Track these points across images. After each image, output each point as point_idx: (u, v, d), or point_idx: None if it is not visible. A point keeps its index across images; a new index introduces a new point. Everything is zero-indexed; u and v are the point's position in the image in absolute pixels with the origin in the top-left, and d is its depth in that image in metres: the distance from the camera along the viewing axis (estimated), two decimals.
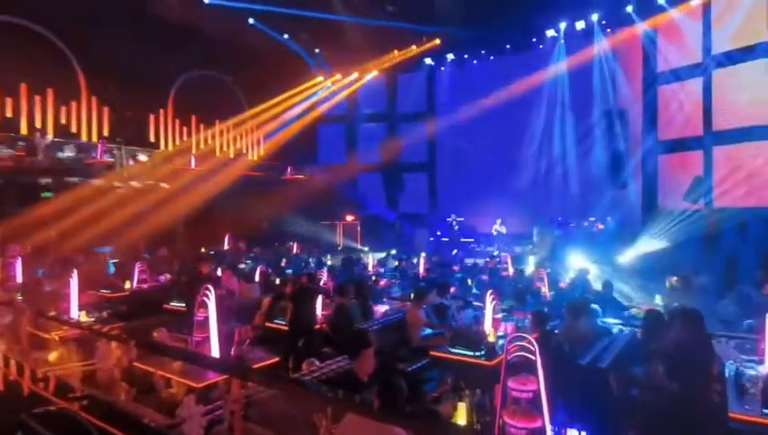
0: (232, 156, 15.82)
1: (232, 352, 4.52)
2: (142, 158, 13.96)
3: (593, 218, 14.24)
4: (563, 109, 16.03)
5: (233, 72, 15.97)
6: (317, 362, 4.27)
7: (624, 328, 5.81)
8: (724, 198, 11.84)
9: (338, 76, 18.44)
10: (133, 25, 12.73)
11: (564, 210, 15.05)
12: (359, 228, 17.77)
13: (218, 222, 13.47)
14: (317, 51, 17.06)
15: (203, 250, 13.10)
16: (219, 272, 8.94)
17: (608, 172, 14.49)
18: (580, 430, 3.11)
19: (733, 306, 6.36)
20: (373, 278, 10.03)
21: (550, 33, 15.42)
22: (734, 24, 12.11)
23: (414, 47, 17.05)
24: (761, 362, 4.33)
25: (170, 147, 14.64)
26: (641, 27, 13.89)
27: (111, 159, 13.11)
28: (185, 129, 15.00)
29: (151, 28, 12.95)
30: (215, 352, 4.33)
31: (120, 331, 6.06)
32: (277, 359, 4.64)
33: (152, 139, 14.61)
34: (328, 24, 14.65)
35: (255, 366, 4.34)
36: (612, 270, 9.76)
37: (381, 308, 7.33)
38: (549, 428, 3.01)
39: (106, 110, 13.60)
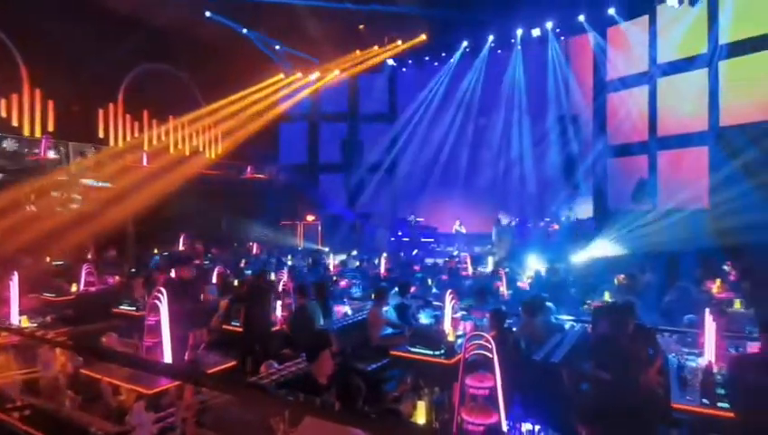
0: (187, 153, 15.28)
1: (186, 357, 4.37)
2: (90, 154, 13.28)
3: (548, 219, 14.75)
4: (520, 112, 16.50)
5: (189, 67, 15.43)
6: (275, 365, 4.19)
7: (576, 324, 6.04)
8: (668, 200, 12.53)
9: (299, 75, 18.21)
10: (80, 15, 12.09)
11: (522, 211, 15.52)
12: (319, 228, 17.63)
13: (172, 222, 12.99)
14: (277, 47, 16.74)
15: (155, 251, 12.61)
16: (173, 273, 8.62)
17: (562, 174, 15.05)
18: (534, 424, 3.19)
19: (674, 302, 6.72)
20: (334, 279, 9.98)
21: (508, 38, 15.83)
22: (678, 36, 12.87)
23: (376, 47, 17.07)
24: (700, 354, 4.61)
25: (120, 143, 13.99)
26: (592, 36, 14.50)
27: (57, 156, 12.41)
28: (136, 124, 14.36)
29: (100, 18, 12.35)
30: (167, 357, 4.17)
31: (65, 336, 5.75)
32: (234, 362, 4.52)
33: (101, 135, 13.92)
34: (289, 20, 14.43)
35: (210, 371, 4.21)
36: (567, 269, 10.11)
37: (342, 309, 7.31)
38: (504, 423, 3.08)
39: (51, 103, 12.84)
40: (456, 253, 13.76)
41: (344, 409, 2.34)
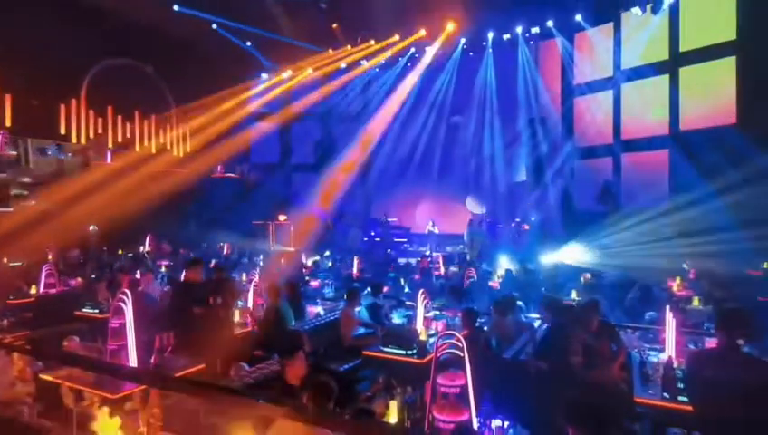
0: (154, 151, 14.84)
1: (152, 361, 4.25)
2: (50, 151, 12.75)
3: (519, 219, 15.04)
4: (492, 114, 16.77)
5: (157, 62, 15.00)
6: (246, 367, 4.13)
7: (543, 321, 6.16)
8: (631, 201, 12.98)
9: (272, 72, 17.97)
10: (41, 3, 11.58)
11: (494, 211, 15.79)
12: (291, 229, 17.44)
13: (138, 222, 12.60)
14: (248, 43, 16.46)
15: (120, 252, 12.22)
16: (138, 275, 8.38)
17: (532, 176, 15.37)
18: (503, 421, 3.25)
19: (637, 300, 6.97)
20: (306, 279, 9.91)
21: (480, 41, 16.05)
22: (641, 43, 13.35)
23: (349, 47, 17.02)
24: (661, 350, 4.78)
25: (83, 140, 13.47)
26: (560, 41, 14.86)
27: (14, 152, 11.86)
28: (100, 121, 13.85)
29: (63, 8, 11.85)
30: (132, 360, 4.05)
31: (23, 340, 5.51)
32: (203, 365, 4.43)
33: (63, 131, 13.37)
34: (261, 17, 14.23)
35: (178, 374, 4.11)
36: (536, 268, 10.33)
37: (315, 309, 7.26)
38: (475, 420, 3.13)
39: (8, 97, 12.25)
40: (428, 253, 13.87)
41: (316, 410, 2.32)
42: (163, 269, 10.56)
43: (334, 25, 15.22)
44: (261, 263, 11.88)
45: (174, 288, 6.63)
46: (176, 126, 15.60)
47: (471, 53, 16.62)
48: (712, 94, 11.80)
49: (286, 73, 18.01)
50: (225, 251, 14.15)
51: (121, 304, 4.22)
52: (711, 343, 5.01)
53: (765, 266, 8.99)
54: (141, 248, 13.10)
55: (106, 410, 3.09)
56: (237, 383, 3.74)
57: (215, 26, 15.17)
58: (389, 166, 17.87)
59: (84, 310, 6.99)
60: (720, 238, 10.01)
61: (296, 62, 17.48)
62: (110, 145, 13.87)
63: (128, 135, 14.26)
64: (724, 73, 11.63)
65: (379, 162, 18.62)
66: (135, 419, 3.43)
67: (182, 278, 6.71)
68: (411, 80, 17.07)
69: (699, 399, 3.42)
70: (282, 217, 17.45)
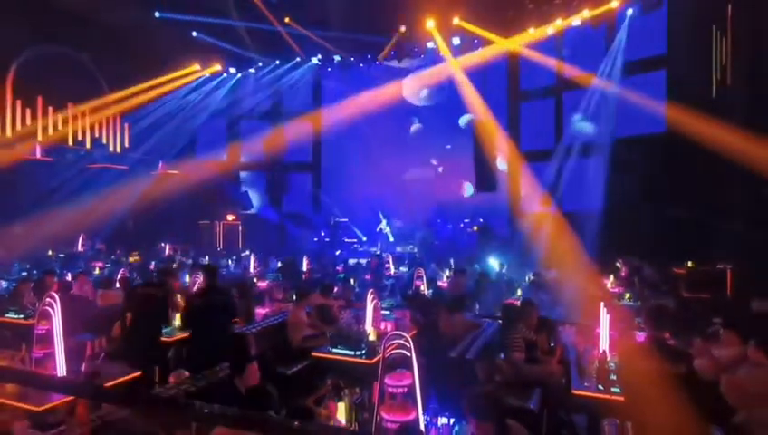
0: (88, 146, 13.93)
1: (83, 369, 3.97)
2: None
3: (468, 220, 15.41)
4: (441, 116, 17.08)
5: (92, 50, 14.05)
6: (186, 374, 3.95)
7: (491, 321, 6.35)
8: (569, 204, 13.64)
9: (218, 67, 17.37)
10: None
11: (443, 212, 16.09)
12: (240, 228, 16.96)
13: (70, 220, 11.78)
14: (195, 34, 15.79)
15: (49, 253, 11.40)
16: (69, 277, 7.85)
17: (480, 178, 15.78)
18: (449, 418, 3.30)
19: (574, 296, 7.32)
20: (254, 280, 9.66)
21: (430, 44, 16.25)
22: (582, 53, 14.08)
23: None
24: (596, 345, 5.04)
25: (9, 132, 12.43)
26: (506, 47, 15.34)
27: None
28: (28, 111, 12.82)
29: None
30: (60, 369, 3.77)
31: None
32: (139, 373, 4.19)
33: None
34: (211, 8, 13.73)
35: (111, 383, 3.87)
36: (484, 268, 10.63)
37: (262, 310, 7.09)
38: (422, 419, 3.15)
39: None
40: (378, 253, 13.92)
41: (255, 416, 2.25)
42: (97, 271, 9.96)
43: (286, 19, 14.89)
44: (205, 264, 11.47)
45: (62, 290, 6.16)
46: (113, 119, 14.71)
47: (422, 56, 16.82)
48: (644, 104, 12.59)
49: (233, 69, 17.49)
50: (166, 252, 13.54)
51: (48, 308, 3.92)
52: (641, 336, 5.34)
53: (689, 265, 9.70)
54: (74, 249, 12.29)
55: (26, 423, 2.84)
56: (176, 391, 3.56)
57: (157, 14, 14.43)
58: (341, 165, 17.78)
59: (7, 315, 6.44)
60: (649, 239, 10.74)
61: (246, 56, 17.00)
62: (39, 138, 12.88)
63: (60, 127, 13.29)
64: (654, 85, 12.47)
65: (330, 162, 18.49)
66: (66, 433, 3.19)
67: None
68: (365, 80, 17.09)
69: (630, 390, 3.63)
70: (230, 217, 16.94)
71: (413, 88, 16.68)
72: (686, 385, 3.43)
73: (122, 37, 13.74)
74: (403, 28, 14.81)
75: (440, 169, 17.36)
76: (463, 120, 16.45)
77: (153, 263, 11.42)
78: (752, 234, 8.82)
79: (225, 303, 5.71)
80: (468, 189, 16.93)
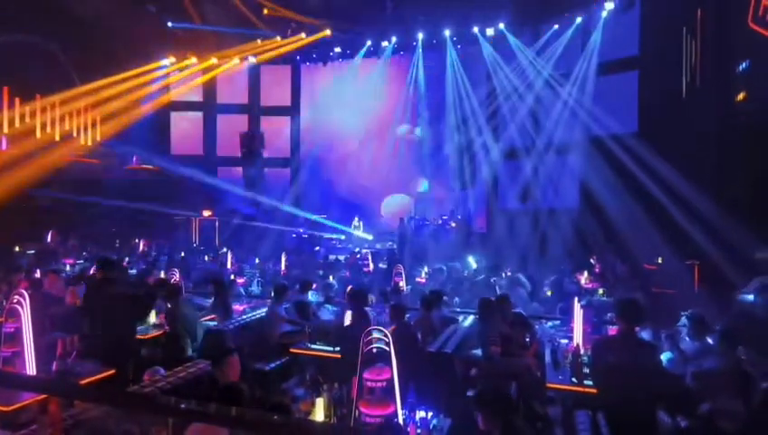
0: (57, 138, 13.47)
1: (53, 368, 3.87)
2: None
3: (446, 216, 15.53)
4: (420, 113, 17.15)
5: (62, 40, 13.58)
6: (162, 371, 3.89)
7: (468, 316, 6.43)
8: (547, 201, 13.87)
9: (193, 60, 17.02)
10: None
11: (422, 209, 16.19)
12: (217, 224, 16.70)
13: (39, 215, 11.42)
14: (170, 25, 15.43)
15: (17, 249, 11.02)
16: (39, 274, 7.61)
17: (459, 175, 15.92)
18: (427, 412, 3.35)
19: (549, 292, 7.49)
20: (232, 276, 9.53)
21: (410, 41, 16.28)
22: (557, 54, 14.33)
23: (278, 38, 16.56)
24: (571, 339, 5.17)
25: None
26: (484, 47, 15.49)
27: None
28: None
29: None
30: (30, 368, 3.66)
31: None
32: (112, 371, 4.11)
33: None
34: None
35: (84, 381, 3.78)
36: (462, 265, 10.73)
37: (241, 306, 7.02)
38: (400, 413, 3.19)
39: None
40: (357, 250, 13.91)
41: (231, 412, 2.24)
42: (68, 268, 9.68)
43: (265, 11, 14.68)
44: (182, 260, 11.28)
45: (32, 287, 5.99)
46: (84, 111, 14.28)
47: (401, 53, 16.84)
48: (620, 102, 12.89)
49: (211, 61, 17.16)
50: (140, 248, 13.26)
51: (17, 305, 3.81)
52: (613, 330, 5.50)
53: (659, 261, 10.00)
54: (44, 245, 11.91)
55: None
56: (152, 389, 3.50)
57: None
58: (320, 161, 17.68)
59: None
60: (622, 236, 11.02)
61: (221, 49, 16.70)
62: (5, 130, 12.42)
63: (27, 119, 12.83)
64: (627, 85, 12.78)
65: (309, 158, 18.36)
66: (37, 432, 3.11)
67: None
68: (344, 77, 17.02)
69: (602, 382, 3.74)
70: (206, 213, 16.66)
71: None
72: (656, 377, 3.55)
73: (94, 28, 13.32)
74: None
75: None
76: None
77: (126, 259, 11.16)
78: (718, 231, 9.15)
79: (126, 297, 5.53)
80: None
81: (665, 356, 4.35)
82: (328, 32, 16.11)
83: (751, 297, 6.05)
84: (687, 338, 4.61)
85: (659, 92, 11.64)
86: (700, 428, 3.32)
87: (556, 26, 14.20)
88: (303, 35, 16.42)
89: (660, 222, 10.60)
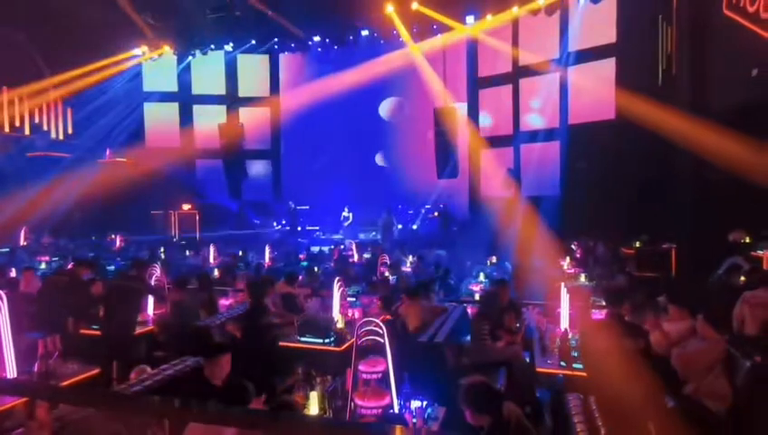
0: (27, 132, 12.97)
1: (35, 369, 3.74)
2: None
3: (429, 206, 15.58)
4: (404, 101, 17.07)
5: (29, 29, 13.01)
6: (149, 369, 3.79)
7: (456, 304, 6.47)
8: (528, 189, 14.02)
9: (167, 49, 16.53)
10: None
11: (405, 198, 16.18)
12: (197, 218, 16.38)
13: (9, 212, 11.01)
14: (142, 16, 14.93)
15: None
16: (14, 273, 7.36)
17: (441, 164, 15.93)
18: (422, 401, 3.35)
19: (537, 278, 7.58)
20: (216, 271, 9.39)
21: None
22: (534, 42, 14.38)
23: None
24: (558, 324, 5.24)
25: None
26: (466, 35, 15.44)
27: None
28: None
29: None
30: (10, 371, 3.53)
31: None
32: (96, 371, 4.00)
33: None
34: None
35: (67, 382, 3.67)
36: (447, 253, 10.78)
37: (226, 301, 6.91)
38: (396, 403, 3.19)
39: None
40: (342, 239, 13.86)
41: (232, 410, 2.19)
42: (43, 266, 9.39)
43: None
44: (162, 256, 11.04)
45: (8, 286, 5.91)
46: (53, 104, 13.76)
47: (382, 42, 16.67)
48: (597, 91, 13.04)
49: (183, 51, 16.72)
50: (117, 244, 12.94)
51: None
52: (597, 314, 5.61)
53: (637, 245, 10.23)
54: (16, 242, 11.52)
55: None
56: (139, 388, 3.42)
57: None
58: (302, 152, 17.49)
59: None
60: (602, 221, 11.23)
61: (196, 38, 16.27)
62: None
63: None
64: (605, 73, 12.92)
65: (291, 149, 18.14)
66: None
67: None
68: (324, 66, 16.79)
69: (592, 365, 3.81)
70: (186, 206, 16.32)
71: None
72: (642, 359, 3.63)
73: (63, 17, 12.79)
74: None
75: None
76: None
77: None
78: (694, 215, 9.39)
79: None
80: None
81: (651, 338, 4.45)
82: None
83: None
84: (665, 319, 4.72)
85: (636, 80, 11.82)
86: (687, 408, 3.41)
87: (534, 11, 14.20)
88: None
89: (638, 207, 10.83)
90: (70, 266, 7.14)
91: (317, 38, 16.59)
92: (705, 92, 9.67)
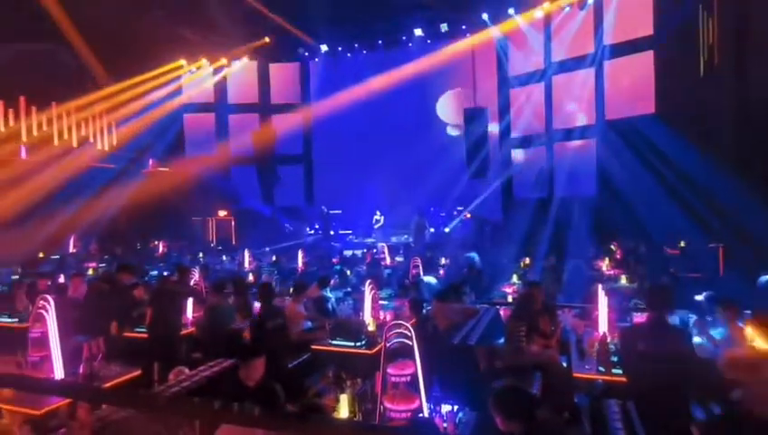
0: (75, 145, 13.68)
1: (80, 371, 3.93)
2: None
3: (461, 208, 15.41)
4: (433, 104, 16.97)
5: (75, 48, 13.76)
6: (186, 371, 3.91)
7: (489, 306, 6.36)
8: (562, 188, 13.64)
9: (203, 61, 17.11)
10: None
11: (437, 200, 16.06)
12: (233, 224, 16.84)
13: (60, 221, 11.63)
14: (179, 31, 15.52)
15: (41, 255, 11.24)
16: (62, 279, 7.76)
17: (472, 164, 15.73)
18: (453, 405, 3.31)
19: (570, 279, 7.37)
20: (250, 275, 9.60)
21: (417, 32, 16.09)
22: (569, 36, 14.01)
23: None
24: (595, 327, 5.07)
25: None
26: (495, 33, 15.23)
27: None
28: (11, 112, 12.56)
29: None
30: (57, 372, 3.72)
31: None
32: (138, 372, 4.15)
33: None
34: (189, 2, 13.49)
35: (110, 383, 3.83)
36: (480, 255, 10.63)
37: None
38: (425, 407, 3.15)
39: None
40: (374, 242, 13.91)
41: (262, 413, 2.23)
42: (90, 272, 9.85)
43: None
44: (202, 260, 11.40)
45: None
46: (99, 117, 14.46)
47: (410, 45, 16.67)
48: (635, 84, 12.58)
49: (220, 62, 17.25)
50: (160, 250, 13.44)
51: (42, 310, 3.87)
52: (639, 317, 5.38)
53: (682, 245, 9.78)
54: (66, 249, 12.15)
55: (28, 428, 2.80)
56: (177, 389, 3.53)
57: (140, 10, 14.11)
58: (334, 157, 17.66)
59: (1, 320, 6.37)
60: (643, 221, 10.79)
61: (230, 49, 16.76)
62: (23, 138, 12.64)
63: (44, 127, 13.04)
64: (643, 66, 12.45)
65: (322, 154, 18.36)
66: None
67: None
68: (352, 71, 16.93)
69: (632, 370, 3.65)
70: (222, 213, 16.81)
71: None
72: (687, 363, 3.46)
73: (106, 34, 13.46)
74: None
75: None
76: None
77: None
78: (742, 213, 8.90)
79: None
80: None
81: (696, 341, 4.24)
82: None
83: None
84: (709, 321, 4.48)
85: (676, 73, 11.33)
86: (735, 415, 3.21)
87: (567, 8, 13.87)
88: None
89: (681, 205, 10.35)
90: (113, 272, 7.47)
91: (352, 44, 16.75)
92: (749, 85, 9.17)
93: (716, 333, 4.29)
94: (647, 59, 12.42)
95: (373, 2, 14.29)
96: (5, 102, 12.38)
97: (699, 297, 4.55)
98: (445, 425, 3.18)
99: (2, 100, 12.36)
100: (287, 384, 3.90)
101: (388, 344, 3.28)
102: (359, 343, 5.11)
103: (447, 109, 16.04)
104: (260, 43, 16.61)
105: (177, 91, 17.27)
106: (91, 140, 14.18)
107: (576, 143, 14.00)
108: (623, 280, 8.08)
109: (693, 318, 4.68)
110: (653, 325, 3.54)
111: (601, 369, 4.16)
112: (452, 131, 15.98)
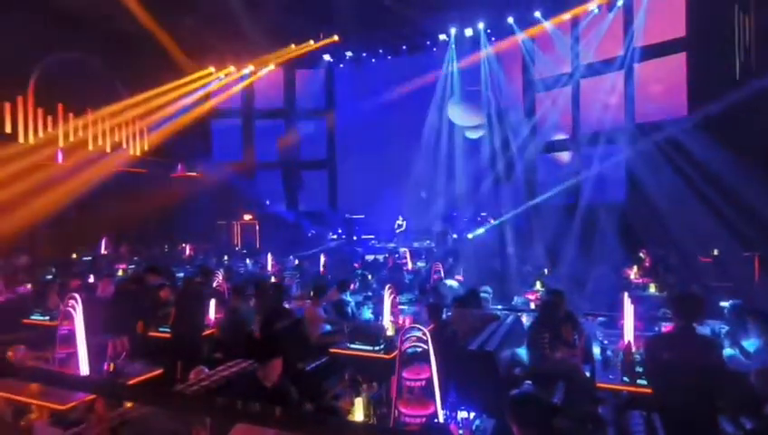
0: (108, 150, 14.19)
1: (105, 368, 4.03)
2: None
3: (485, 213, 15.22)
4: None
5: (108, 57, 14.30)
6: (206, 370, 3.97)
7: (509, 313, 6.25)
8: (590, 193, 13.31)
9: (231, 68, 17.50)
10: None
11: (459, 205, 15.93)
12: (257, 228, 17.12)
13: (92, 224, 12.05)
14: (207, 40, 15.95)
15: (74, 256, 11.66)
16: (92, 279, 8.02)
17: (496, 169, 15.57)
18: (469, 412, 3.25)
19: (596, 287, 7.18)
20: (272, 278, 9.72)
21: (442, 37, 16.09)
22: (597, 39, 13.73)
23: (311, 42, 16.77)
24: (621, 336, 4.92)
25: (31, 139, 12.74)
26: (521, 37, 15.07)
27: None
28: (49, 118, 13.12)
29: (2, 2, 11.16)
30: (83, 368, 3.83)
31: None
32: (160, 371, 4.24)
33: (8, 130, 12.60)
34: (217, 10, 13.82)
35: (133, 381, 3.92)
36: (504, 262, 10.49)
37: None
38: (441, 413, 3.11)
39: None
40: (396, 247, 13.88)
41: (277, 412, 2.24)
42: (120, 273, 10.15)
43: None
44: (226, 263, 11.61)
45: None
46: (131, 123, 14.96)
47: (435, 49, 16.67)
48: (666, 87, 12.23)
49: (247, 69, 17.61)
50: (186, 253, 13.74)
51: (70, 309, 3.99)
52: (667, 327, 5.19)
53: (715, 253, 9.41)
54: (97, 251, 12.57)
55: (45, 420, 2.89)
56: (197, 388, 3.59)
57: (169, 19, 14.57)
58: (357, 163, 17.75)
59: (33, 317, 6.62)
60: (672, 229, 10.43)
61: (257, 56, 17.09)
62: (60, 144, 13.18)
63: (80, 133, 13.57)
64: (674, 68, 12.09)
65: (346, 159, 18.48)
66: (86, 430, 3.24)
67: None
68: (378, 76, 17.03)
69: (658, 381, 3.52)
70: (247, 217, 17.10)
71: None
72: (717, 375, 3.31)
73: (137, 41, 13.95)
74: None
75: None
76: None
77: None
78: None
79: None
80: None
81: (725, 354, 4.06)
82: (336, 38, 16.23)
83: None
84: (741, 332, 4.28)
85: (710, 75, 10.96)
86: (766, 429, 3.05)
87: (596, 10, 13.60)
88: (336, 37, 16.58)
89: (714, 212, 9.97)
90: (140, 273, 7.68)
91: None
92: None
93: (749, 344, 4.10)
94: (679, 61, 12.06)
95: (398, 7, 14.34)
96: (45, 109, 12.94)
97: (725, 304, 4.35)
98: (460, 432, 3.13)
99: (42, 107, 12.94)
100: (304, 386, 3.92)
101: (403, 349, 3.26)
102: (377, 348, 5.09)
103: (459, 111, 15.83)
104: (326, 41, 16.72)
105: (207, 98, 17.71)
106: (124, 145, 14.67)
107: (605, 147, 13.65)
108: (652, 288, 7.82)
109: (725, 329, 4.49)
110: (680, 335, 3.40)
111: (626, 379, 4.02)
112: (471, 134, 15.76)
